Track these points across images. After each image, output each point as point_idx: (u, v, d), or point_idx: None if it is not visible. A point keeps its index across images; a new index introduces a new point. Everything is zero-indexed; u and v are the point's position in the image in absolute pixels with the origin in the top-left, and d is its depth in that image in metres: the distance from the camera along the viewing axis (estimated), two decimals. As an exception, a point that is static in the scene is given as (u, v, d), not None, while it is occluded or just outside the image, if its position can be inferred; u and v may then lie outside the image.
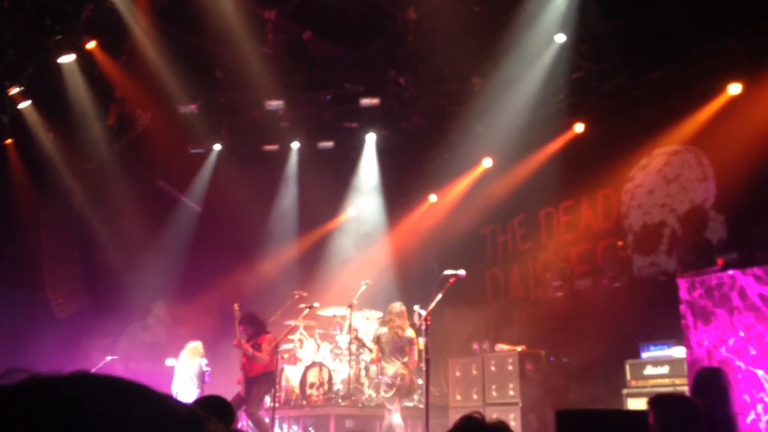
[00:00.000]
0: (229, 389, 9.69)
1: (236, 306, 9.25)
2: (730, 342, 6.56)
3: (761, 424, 6.19)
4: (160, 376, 10.45)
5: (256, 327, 9.14)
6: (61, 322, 11.90)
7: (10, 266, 11.85)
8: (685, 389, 7.13)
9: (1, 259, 11.80)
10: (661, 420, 3.68)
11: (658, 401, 3.99)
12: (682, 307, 7.04)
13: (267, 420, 8.64)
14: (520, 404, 8.62)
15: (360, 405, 9.64)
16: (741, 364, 6.44)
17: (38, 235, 12.32)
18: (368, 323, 10.46)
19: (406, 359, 9.49)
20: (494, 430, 2.10)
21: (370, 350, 9.76)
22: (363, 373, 9.99)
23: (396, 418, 8.67)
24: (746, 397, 6.31)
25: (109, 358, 10.36)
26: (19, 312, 10.97)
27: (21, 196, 11.92)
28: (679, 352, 7.59)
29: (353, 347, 9.90)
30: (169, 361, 11.30)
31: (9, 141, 11.69)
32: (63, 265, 12.48)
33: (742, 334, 6.49)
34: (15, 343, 10.48)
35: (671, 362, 7.70)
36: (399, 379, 9.39)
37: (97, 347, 11.26)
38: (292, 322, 10.14)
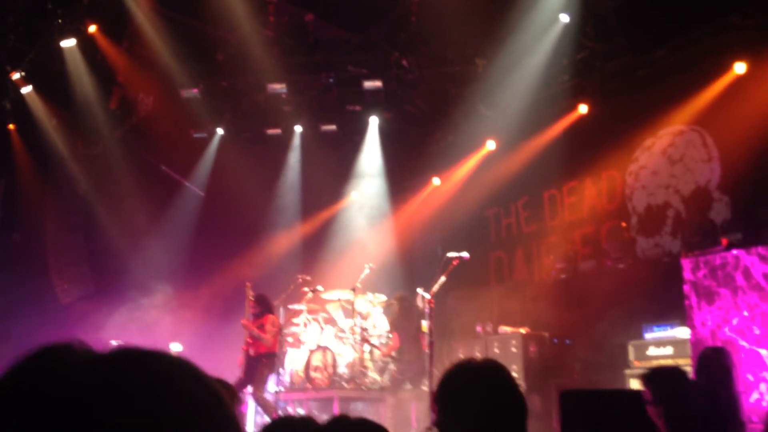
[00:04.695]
0: (233, 373, 9.77)
1: (248, 284, 9.41)
2: (734, 322, 6.56)
3: (765, 403, 6.20)
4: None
5: (262, 307, 9.32)
6: (66, 308, 11.94)
7: (15, 252, 11.87)
8: (689, 369, 7.16)
9: (5, 245, 11.82)
10: (658, 394, 3.69)
11: (651, 376, 3.99)
12: (686, 288, 7.04)
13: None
14: (524, 386, 8.64)
15: (364, 388, 9.69)
16: (745, 343, 6.45)
17: (42, 221, 12.32)
18: (371, 307, 10.49)
19: (420, 345, 9.62)
20: (490, 368, 2.19)
21: (376, 346, 9.89)
22: (367, 356, 10.04)
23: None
24: (750, 376, 6.32)
25: (113, 342, 10.39)
26: (25, 298, 11.00)
27: (24, 182, 11.91)
28: (682, 332, 7.59)
29: (357, 334, 9.94)
30: (173, 346, 11.35)
31: (11, 126, 11.67)
32: (68, 250, 12.50)
33: (746, 313, 6.49)
34: (21, 329, 10.52)
35: (675, 343, 7.71)
36: (416, 363, 9.54)
37: (99, 332, 11.28)
38: (295, 306, 10.19)
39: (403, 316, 9.90)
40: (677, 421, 3.50)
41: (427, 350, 9.75)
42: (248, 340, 9.26)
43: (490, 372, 2.18)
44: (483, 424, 2.07)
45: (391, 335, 10.05)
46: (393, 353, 9.78)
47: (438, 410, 2.15)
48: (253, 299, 9.38)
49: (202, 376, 0.83)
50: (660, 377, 3.93)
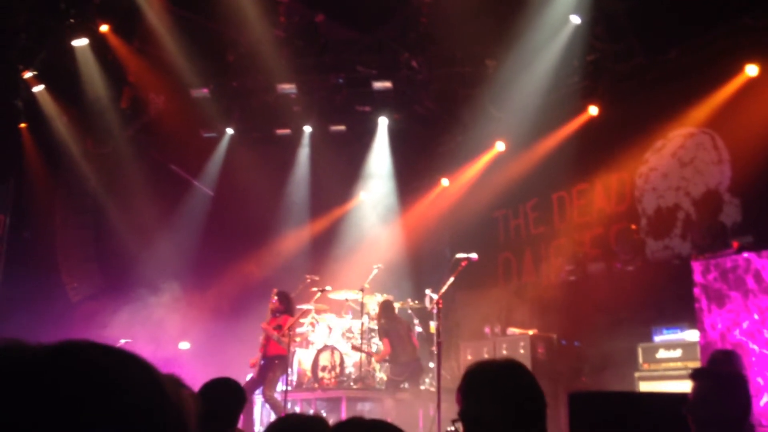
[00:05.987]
0: (242, 372, 9.79)
1: (275, 290, 9.52)
2: (744, 325, 6.53)
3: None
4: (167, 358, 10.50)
5: (284, 306, 9.37)
6: (75, 306, 11.99)
7: (25, 250, 11.93)
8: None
9: (15, 243, 11.88)
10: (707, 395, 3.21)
11: (702, 373, 3.48)
12: (696, 290, 7.00)
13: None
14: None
15: (372, 388, 9.69)
16: (755, 347, 6.41)
17: (53, 219, 12.38)
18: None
19: (413, 344, 9.61)
20: (510, 362, 2.35)
21: (368, 353, 9.85)
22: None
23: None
24: (760, 380, 6.28)
25: (122, 341, 10.44)
26: (34, 296, 11.05)
27: (35, 181, 11.98)
28: (691, 335, 7.56)
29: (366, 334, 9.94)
30: (182, 345, 11.38)
31: (23, 125, 11.73)
32: (77, 248, 12.55)
33: (756, 317, 6.46)
34: (31, 326, 10.57)
35: (684, 346, 7.67)
36: (412, 364, 9.53)
37: (107, 330, 11.33)
38: (304, 306, 10.20)
39: (387, 320, 9.83)
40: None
41: (434, 349, 9.77)
42: (263, 341, 9.33)
43: (511, 364, 2.34)
44: (508, 408, 2.15)
45: (381, 341, 9.96)
46: (387, 357, 9.72)
47: (462, 400, 2.25)
48: (275, 297, 9.41)
49: (144, 367, 0.84)
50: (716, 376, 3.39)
